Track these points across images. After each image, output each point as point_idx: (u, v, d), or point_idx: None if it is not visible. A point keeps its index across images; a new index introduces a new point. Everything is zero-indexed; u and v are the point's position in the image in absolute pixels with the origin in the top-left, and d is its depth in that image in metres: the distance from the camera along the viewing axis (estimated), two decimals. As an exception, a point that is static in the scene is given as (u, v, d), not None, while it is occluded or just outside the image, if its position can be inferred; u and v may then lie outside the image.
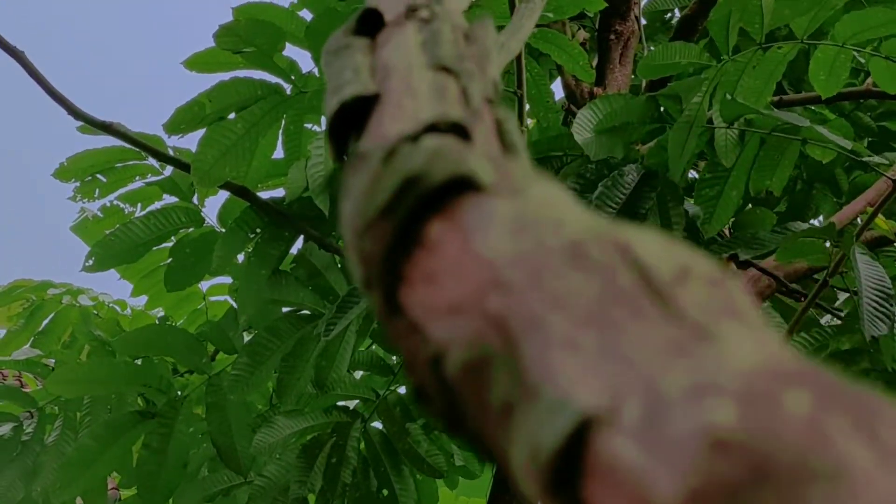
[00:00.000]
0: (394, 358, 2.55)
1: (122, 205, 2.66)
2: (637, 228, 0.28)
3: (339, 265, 2.26)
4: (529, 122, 2.82)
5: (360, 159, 0.34)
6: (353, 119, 0.38)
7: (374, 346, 2.59)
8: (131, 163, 2.54)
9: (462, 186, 0.31)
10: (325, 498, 2.31)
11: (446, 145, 0.32)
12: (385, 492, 2.47)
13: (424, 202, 0.31)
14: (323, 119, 2.30)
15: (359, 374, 2.60)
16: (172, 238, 2.51)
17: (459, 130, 0.33)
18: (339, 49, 0.43)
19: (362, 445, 2.45)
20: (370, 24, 0.45)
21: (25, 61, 1.90)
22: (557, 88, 3.03)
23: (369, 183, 0.33)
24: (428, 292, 0.30)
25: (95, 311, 2.93)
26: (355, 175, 0.34)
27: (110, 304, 3.05)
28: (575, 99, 2.91)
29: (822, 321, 2.39)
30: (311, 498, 2.38)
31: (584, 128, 1.94)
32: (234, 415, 2.36)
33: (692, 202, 2.07)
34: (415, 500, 2.49)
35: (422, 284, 0.30)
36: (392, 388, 2.47)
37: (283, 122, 2.14)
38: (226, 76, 2.10)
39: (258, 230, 2.24)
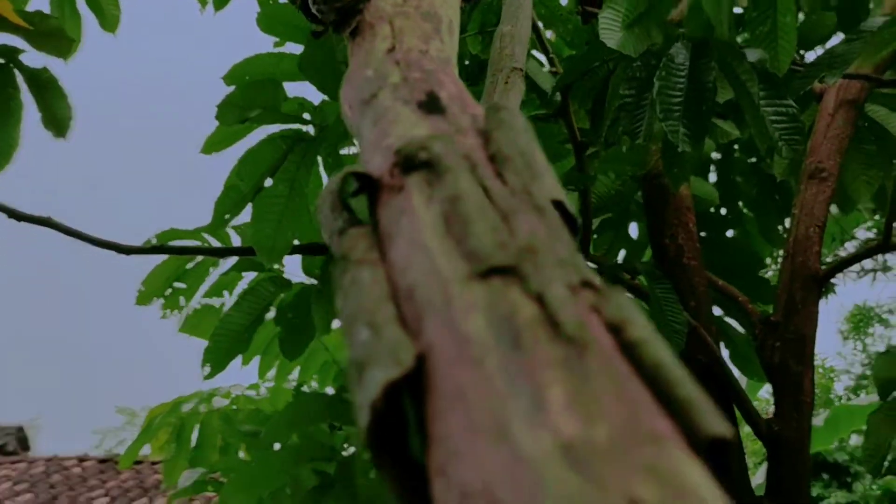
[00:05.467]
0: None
1: (211, 301, 2.62)
2: None
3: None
4: (550, 34, 2.68)
5: None
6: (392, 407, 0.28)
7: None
8: (199, 258, 2.49)
9: None
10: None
11: None
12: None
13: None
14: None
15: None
16: (272, 308, 2.47)
17: None
18: (331, 234, 0.33)
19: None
20: (360, 187, 0.35)
21: (54, 224, 1.85)
22: None
23: None
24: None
25: (234, 406, 2.90)
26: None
27: (244, 393, 3.02)
28: (586, -1, 2.74)
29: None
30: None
31: (611, 29, 1.79)
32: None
33: (750, 49, 1.91)
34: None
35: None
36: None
37: (321, 160, 2.05)
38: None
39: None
